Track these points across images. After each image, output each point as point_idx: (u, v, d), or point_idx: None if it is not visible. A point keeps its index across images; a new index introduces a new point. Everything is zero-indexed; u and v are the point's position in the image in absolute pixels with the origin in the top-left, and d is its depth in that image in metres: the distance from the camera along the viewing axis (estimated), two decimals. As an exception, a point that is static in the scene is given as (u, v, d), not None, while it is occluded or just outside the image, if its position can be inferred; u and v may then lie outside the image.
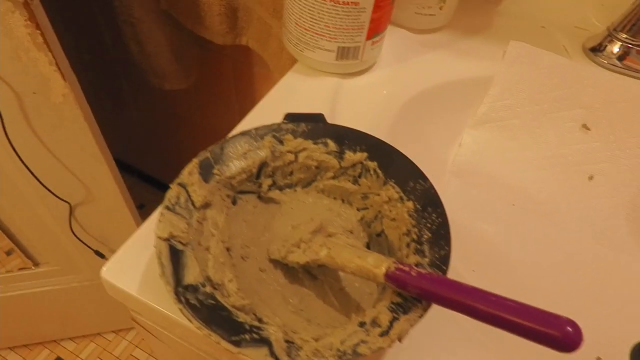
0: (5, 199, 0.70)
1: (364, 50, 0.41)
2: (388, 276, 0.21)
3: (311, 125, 0.29)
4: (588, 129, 0.46)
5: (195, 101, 0.99)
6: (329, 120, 0.39)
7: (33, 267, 0.85)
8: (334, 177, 0.29)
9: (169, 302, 0.25)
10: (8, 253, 0.82)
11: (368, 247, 0.29)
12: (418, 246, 0.24)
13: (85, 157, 0.66)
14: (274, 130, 0.28)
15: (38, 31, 0.50)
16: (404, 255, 0.25)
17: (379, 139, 0.29)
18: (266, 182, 0.29)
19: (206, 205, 0.25)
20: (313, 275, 0.26)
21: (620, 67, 0.46)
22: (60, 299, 0.95)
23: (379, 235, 0.28)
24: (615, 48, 0.46)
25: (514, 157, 0.48)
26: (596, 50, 0.47)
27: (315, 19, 0.38)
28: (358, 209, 0.30)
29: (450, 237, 0.23)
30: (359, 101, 0.42)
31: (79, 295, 0.95)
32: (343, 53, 0.40)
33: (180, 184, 0.25)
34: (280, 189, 0.30)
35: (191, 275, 0.21)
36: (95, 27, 0.92)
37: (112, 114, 1.05)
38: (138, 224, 0.81)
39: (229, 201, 0.27)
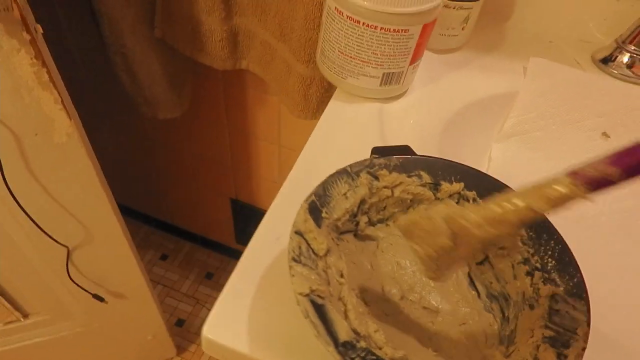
0: (-6, 249, 0.65)
1: (406, 75, 0.41)
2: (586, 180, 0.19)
3: (402, 158, 0.29)
4: (608, 137, 0.49)
5: (181, 126, 0.96)
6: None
7: (22, 320, 0.79)
8: (427, 209, 0.29)
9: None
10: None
11: (469, 276, 0.29)
12: (546, 275, 0.24)
13: (87, 198, 0.62)
14: (367, 167, 0.28)
15: (44, 69, 0.47)
16: (525, 285, 0.25)
17: (471, 167, 0.29)
18: (363, 219, 0.28)
19: (327, 253, 0.24)
20: (433, 311, 0.26)
21: (630, 76, 0.49)
22: (49, 350, 0.88)
23: (480, 263, 0.28)
24: (625, 58, 0.49)
25: (541, 167, 0.50)
26: (607, 60, 0.50)
27: (363, 47, 0.38)
28: None
29: (577, 263, 0.24)
30: (403, 125, 0.42)
31: (71, 343, 0.89)
32: (387, 79, 0.41)
33: (297, 233, 0.24)
34: (374, 224, 0.29)
35: (343, 331, 0.20)
36: (70, 60, 0.87)
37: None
38: (138, 262, 0.77)
39: (336, 244, 0.26)
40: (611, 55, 0.50)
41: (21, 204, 0.56)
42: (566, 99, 0.49)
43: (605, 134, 0.49)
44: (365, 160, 0.28)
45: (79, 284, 0.72)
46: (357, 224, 0.28)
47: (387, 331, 0.24)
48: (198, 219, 1.24)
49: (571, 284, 0.23)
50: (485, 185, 0.28)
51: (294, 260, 0.22)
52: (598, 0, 0.52)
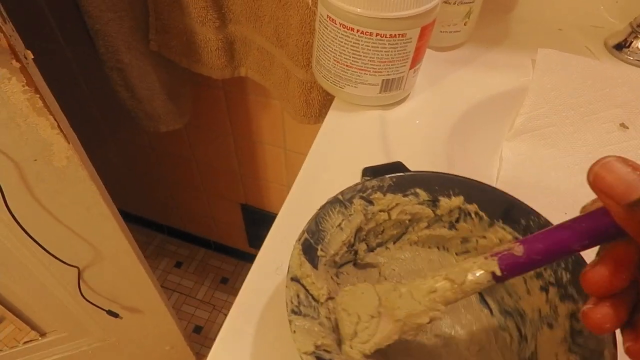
0: (7, 274, 0.65)
1: (407, 80, 0.39)
2: (503, 270, 0.19)
3: (395, 177, 0.27)
4: (626, 127, 0.46)
5: (186, 136, 0.95)
6: (386, 158, 0.37)
7: (40, 338, 0.79)
8: (427, 227, 0.28)
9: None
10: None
11: (481, 295, 0.27)
12: (562, 290, 0.22)
13: (93, 218, 0.61)
14: (359, 191, 0.26)
15: (37, 95, 0.46)
16: (541, 301, 0.23)
17: (470, 179, 0.27)
18: (361, 247, 0.27)
19: (328, 297, 0.22)
20: (446, 338, 0.24)
21: (647, 62, 0.46)
22: (70, 366, 0.89)
23: (489, 279, 0.27)
24: (641, 44, 0.46)
25: (556, 164, 0.47)
26: (621, 47, 0.47)
27: (359, 55, 0.36)
28: (457, 254, 0.28)
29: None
30: (406, 132, 0.40)
31: (89, 358, 0.89)
32: (387, 85, 0.39)
33: (294, 279, 0.22)
34: (373, 250, 0.28)
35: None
36: (73, 78, 0.87)
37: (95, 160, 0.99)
38: (150, 277, 0.77)
39: (337, 282, 0.25)
40: (625, 40, 0.47)
41: (27, 230, 0.56)
42: (579, 91, 0.46)
43: (623, 125, 0.46)
44: (356, 184, 0.26)
45: (93, 302, 0.72)
46: (356, 253, 0.27)
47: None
48: (210, 225, 1.24)
49: None
50: (486, 197, 0.26)
51: (294, 312, 0.21)
52: (608, -19, 0.49)
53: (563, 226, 0.18)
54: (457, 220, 0.27)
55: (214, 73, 0.66)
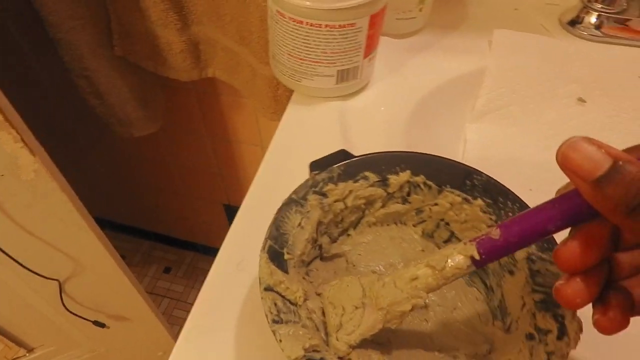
0: (-14, 292, 0.64)
1: (362, 69, 0.40)
2: (482, 254, 0.20)
3: (343, 165, 0.27)
4: (584, 102, 0.47)
5: (162, 141, 0.95)
6: (348, 148, 0.38)
7: (27, 354, 0.79)
8: (382, 206, 0.28)
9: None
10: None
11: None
12: None
13: (68, 229, 0.61)
14: (312, 187, 0.26)
15: (-3, 110, 0.45)
16: None
17: (412, 152, 0.28)
18: (324, 240, 0.27)
19: (305, 298, 0.23)
20: (422, 309, 0.25)
21: (600, 36, 0.47)
22: (61, 379, 0.89)
23: (447, 241, 0.28)
24: (593, 18, 0.47)
25: (520, 142, 0.48)
26: (574, 22, 0.48)
27: (311, 47, 0.36)
28: (414, 225, 0.29)
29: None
30: (367, 121, 0.40)
31: (82, 370, 0.89)
32: (343, 76, 0.39)
33: (268, 289, 0.22)
34: (335, 240, 0.28)
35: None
36: (39, 86, 0.85)
37: (74, 171, 0.98)
38: (133, 283, 0.77)
39: (309, 281, 0.25)
40: (578, 16, 0.48)
41: (1, 246, 0.56)
42: (536, 69, 0.47)
43: (581, 99, 0.47)
44: (307, 180, 0.27)
45: (77, 314, 0.72)
46: (321, 247, 0.27)
47: (391, 353, 0.23)
48: (196, 228, 1.24)
49: (542, 243, 0.23)
50: (430, 166, 0.27)
51: (275, 322, 0.21)
52: (560, -41, 0.50)
53: (537, 208, 0.19)
54: (409, 194, 0.28)
55: (181, 75, 0.66)
